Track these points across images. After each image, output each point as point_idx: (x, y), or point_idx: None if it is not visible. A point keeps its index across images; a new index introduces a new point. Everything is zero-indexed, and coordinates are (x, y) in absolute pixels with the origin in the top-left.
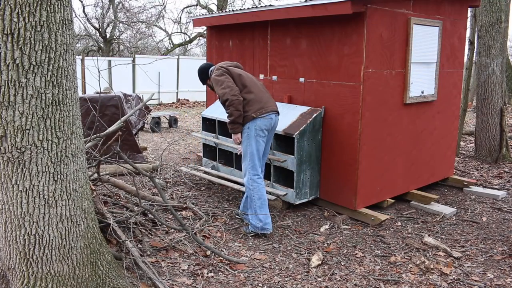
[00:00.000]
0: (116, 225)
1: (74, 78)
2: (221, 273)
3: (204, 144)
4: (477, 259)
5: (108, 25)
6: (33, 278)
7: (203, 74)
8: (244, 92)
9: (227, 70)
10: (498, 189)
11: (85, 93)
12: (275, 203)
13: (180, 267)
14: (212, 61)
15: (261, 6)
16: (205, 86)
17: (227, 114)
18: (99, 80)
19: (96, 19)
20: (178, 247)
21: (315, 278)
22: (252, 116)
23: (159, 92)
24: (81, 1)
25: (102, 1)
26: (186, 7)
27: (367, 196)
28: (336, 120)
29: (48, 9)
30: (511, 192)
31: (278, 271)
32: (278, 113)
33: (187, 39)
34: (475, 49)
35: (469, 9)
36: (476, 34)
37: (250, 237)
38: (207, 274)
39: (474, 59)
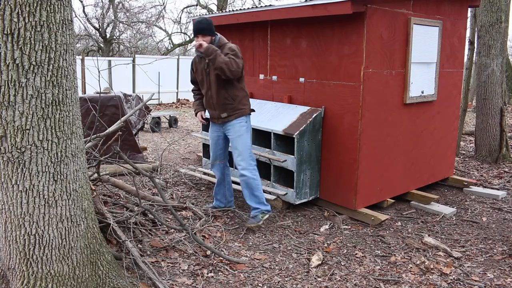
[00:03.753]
0: (116, 225)
1: (74, 78)
2: (221, 273)
3: (204, 144)
4: (477, 259)
5: (108, 25)
6: (33, 278)
7: (209, 26)
8: (242, 85)
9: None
10: (498, 189)
11: (85, 93)
12: (275, 203)
13: (180, 267)
14: None
15: (261, 6)
16: None
17: (223, 62)
18: (99, 80)
19: (96, 19)
20: (178, 247)
21: (315, 278)
22: (248, 112)
23: (159, 92)
24: (81, 1)
25: (102, 1)
26: (186, 7)
27: (367, 196)
28: (336, 120)
29: (48, 9)
30: (511, 192)
31: (278, 271)
32: None
33: (187, 39)
34: (475, 49)
35: (469, 9)
36: (476, 34)
37: (250, 237)
38: (207, 274)
39: (474, 59)
